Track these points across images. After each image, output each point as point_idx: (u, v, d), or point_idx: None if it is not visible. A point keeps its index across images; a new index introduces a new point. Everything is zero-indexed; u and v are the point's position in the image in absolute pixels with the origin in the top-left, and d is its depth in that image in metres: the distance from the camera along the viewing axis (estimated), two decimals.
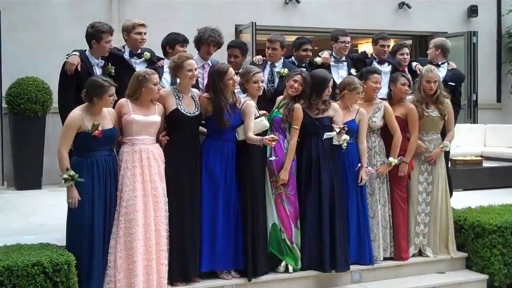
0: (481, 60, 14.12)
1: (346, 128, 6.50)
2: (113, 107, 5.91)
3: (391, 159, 6.86)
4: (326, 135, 6.50)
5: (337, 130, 6.46)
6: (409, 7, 14.08)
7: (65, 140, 5.63)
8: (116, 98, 5.80)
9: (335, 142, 6.50)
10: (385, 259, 6.95)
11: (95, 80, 5.76)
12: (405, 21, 14.22)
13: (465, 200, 8.41)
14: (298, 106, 6.49)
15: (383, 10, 14.01)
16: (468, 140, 12.62)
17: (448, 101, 7.24)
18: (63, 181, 5.58)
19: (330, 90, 6.64)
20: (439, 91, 7.12)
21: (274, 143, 6.10)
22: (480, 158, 11.82)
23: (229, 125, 6.16)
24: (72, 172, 5.52)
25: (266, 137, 6.08)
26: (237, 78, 6.33)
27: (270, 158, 6.36)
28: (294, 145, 6.47)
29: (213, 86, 6.21)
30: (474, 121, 13.75)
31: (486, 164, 11.67)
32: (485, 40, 14.54)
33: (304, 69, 6.99)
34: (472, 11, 14.60)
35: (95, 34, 6.51)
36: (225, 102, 6.14)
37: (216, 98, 6.14)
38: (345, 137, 6.49)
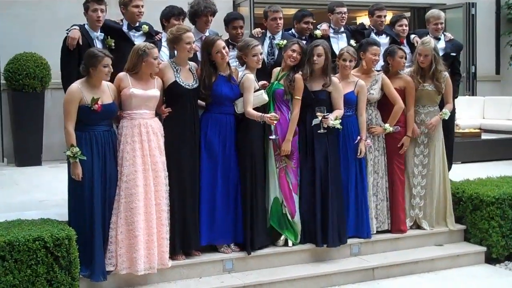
0: (480, 31, 14.07)
1: (327, 116, 6.39)
2: (112, 82, 5.91)
3: (387, 125, 6.88)
4: (314, 121, 6.46)
5: (319, 118, 6.38)
6: None
7: (69, 115, 5.63)
8: (112, 70, 5.76)
9: (322, 130, 6.42)
10: (382, 231, 7.00)
11: (90, 51, 5.79)
12: None
13: (463, 172, 8.45)
14: (298, 76, 6.48)
15: None
16: (467, 113, 12.63)
17: (446, 74, 7.21)
18: (67, 158, 5.61)
19: (319, 58, 6.54)
20: (434, 66, 7.06)
21: (275, 121, 6.11)
22: (478, 130, 11.84)
23: (208, 99, 6.19)
24: (75, 150, 5.54)
25: (268, 115, 6.09)
26: (227, 51, 6.26)
27: (271, 137, 6.33)
28: (297, 116, 6.45)
29: (202, 57, 6.27)
30: (473, 93, 13.76)
31: (484, 136, 11.70)
32: (484, 11, 14.48)
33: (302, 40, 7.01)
34: None
35: (83, 4, 6.56)
36: (208, 74, 6.14)
37: (201, 69, 6.19)
38: (333, 122, 6.42)
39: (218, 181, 6.22)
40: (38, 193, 8.17)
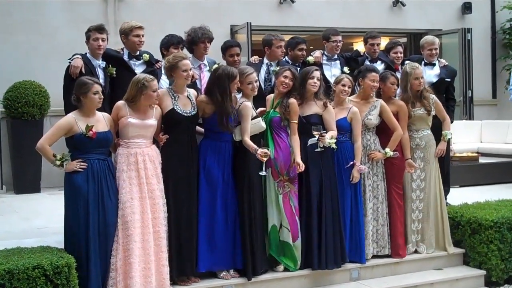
0: (476, 56, 14.20)
1: (324, 134, 6.44)
2: (110, 113, 5.96)
3: (387, 149, 6.89)
4: (310, 141, 6.48)
5: (317, 136, 6.41)
6: (403, 5, 14.14)
7: (49, 136, 5.71)
8: (102, 97, 5.79)
9: (318, 148, 6.46)
10: (382, 256, 7.00)
11: (79, 80, 5.83)
12: (399, 19, 14.29)
13: (461, 196, 8.47)
14: (293, 101, 6.51)
15: (377, 8, 14.08)
16: (464, 137, 12.67)
17: (433, 97, 7.28)
18: (60, 167, 5.65)
19: (316, 81, 6.62)
20: (422, 87, 7.18)
21: (265, 158, 6.09)
22: (476, 154, 11.84)
23: (232, 130, 6.19)
24: (60, 156, 5.63)
25: (259, 151, 6.08)
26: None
27: (261, 173, 6.25)
28: (298, 139, 6.47)
29: (221, 89, 6.14)
30: (470, 117, 13.82)
31: (482, 160, 11.69)
32: (479, 36, 14.61)
33: (292, 65, 7.05)
34: (466, 8, 14.68)
35: (86, 34, 6.65)
36: (229, 105, 6.14)
37: (223, 102, 6.12)
38: (329, 140, 6.45)
39: (217, 207, 6.22)
40: (37, 220, 8.17)
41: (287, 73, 6.56)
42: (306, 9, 13.38)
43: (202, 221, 6.19)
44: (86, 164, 5.64)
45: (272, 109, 6.59)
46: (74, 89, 5.74)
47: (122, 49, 6.97)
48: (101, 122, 5.79)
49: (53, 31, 11.37)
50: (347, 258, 6.72)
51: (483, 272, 7.12)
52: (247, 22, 12.21)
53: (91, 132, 5.63)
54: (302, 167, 6.36)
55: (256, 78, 6.48)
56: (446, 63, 8.47)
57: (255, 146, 6.14)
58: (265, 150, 6.11)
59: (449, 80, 8.27)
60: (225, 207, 6.26)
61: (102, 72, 6.64)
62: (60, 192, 5.87)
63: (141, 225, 5.75)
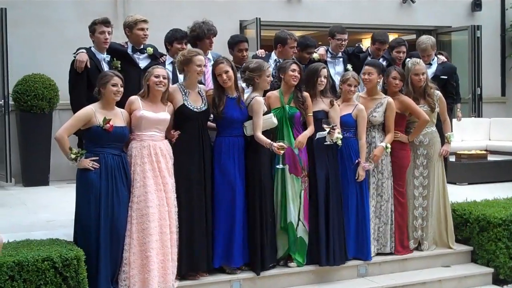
0: (485, 54, 14.15)
1: (335, 128, 6.45)
2: (118, 106, 5.95)
3: (386, 143, 6.83)
4: (319, 134, 6.48)
5: (327, 129, 6.42)
6: (413, 1, 14.11)
7: (68, 127, 5.71)
8: (122, 90, 5.80)
9: (327, 142, 6.47)
10: (386, 254, 6.97)
11: (102, 72, 5.93)
12: (409, 15, 14.25)
13: (470, 193, 8.45)
14: (307, 94, 6.54)
15: (387, 4, 14.04)
16: (473, 134, 12.68)
17: (438, 93, 7.26)
18: (73, 162, 5.65)
19: (323, 79, 6.63)
20: (425, 82, 7.14)
21: (282, 151, 6.09)
22: (485, 152, 11.83)
23: (222, 116, 6.19)
24: (75, 150, 5.65)
25: (275, 144, 6.08)
26: (229, 75, 6.21)
27: (278, 166, 6.27)
28: (313, 130, 6.50)
29: (212, 78, 6.36)
30: (479, 115, 13.79)
31: (491, 157, 11.68)
32: (489, 34, 14.57)
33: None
34: (476, 5, 14.63)
35: (90, 27, 6.63)
36: (217, 94, 6.20)
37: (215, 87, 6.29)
38: (337, 135, 6.45)
39: (236, 204, 6.19)
40: (46, 213, 8.20)
41: (295, 66, 6.54)
42: (315, 4, 13.36)
43: (221, 217, 6.18)
44: (99, 165, 5.65)
45: (288, 105, 6.52)
46: (97, 82, 5.80)
47: (126, 43, 6.96)
48: (118, 117, 5.81)
49: (62, 25, 11.38)
50: (348, 255, 6.71)
51: (491, 269, 7.11)
52: (256, 18, 12.19)
53: (108, 125, 5.65)
54: (300, 141, 6.42)
55: (271, 72, 6.52)
56: (445, 60, 8.36)
57: (269, 141, 6.13)
58: (281, 143, 6.10)
59: (445, 77, 8.09)
60: (241, 203, 6.23)
61: (107, 65, 6.62)
62: (68, 185, 5.90)
63: (158, 218, 5.75)
